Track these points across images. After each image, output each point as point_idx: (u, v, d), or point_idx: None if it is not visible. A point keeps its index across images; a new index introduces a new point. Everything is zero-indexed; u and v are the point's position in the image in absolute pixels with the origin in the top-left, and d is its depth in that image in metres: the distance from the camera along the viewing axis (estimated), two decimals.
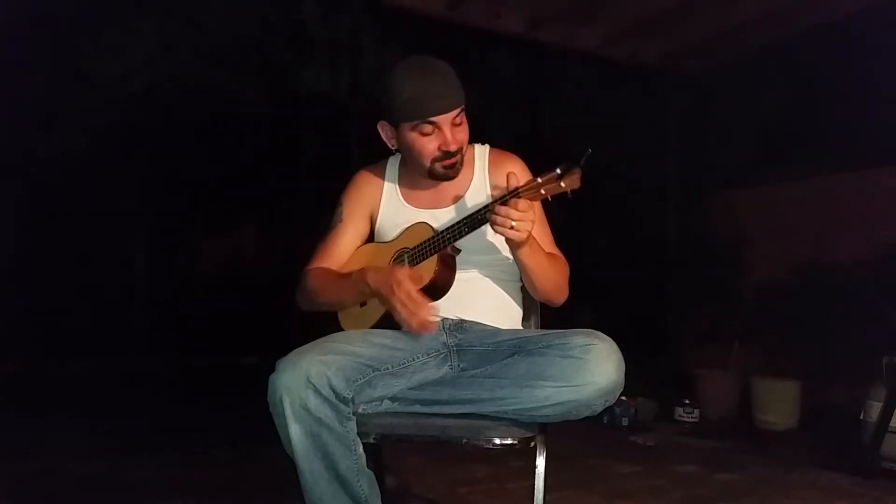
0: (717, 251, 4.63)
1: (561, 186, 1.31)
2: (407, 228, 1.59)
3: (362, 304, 1.60)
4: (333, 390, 1.29)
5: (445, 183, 1.61)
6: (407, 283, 1.42)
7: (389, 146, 1.63)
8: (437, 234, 1.50)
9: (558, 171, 1.31)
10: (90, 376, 5.27)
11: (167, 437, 3.33)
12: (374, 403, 1.44)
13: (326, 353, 1.34)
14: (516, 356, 1.42)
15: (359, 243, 1.69)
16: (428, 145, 1.53)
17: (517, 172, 1.41)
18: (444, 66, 1.53)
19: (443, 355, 1.54)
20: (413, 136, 1.53)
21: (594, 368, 1.32)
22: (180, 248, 7.06)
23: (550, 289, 1.55)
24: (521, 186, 1.35)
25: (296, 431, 1.29)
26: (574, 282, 1.60)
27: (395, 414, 1.47)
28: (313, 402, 1.28)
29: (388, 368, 1.44)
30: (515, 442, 1.38)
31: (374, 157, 1.77)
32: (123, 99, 5.70)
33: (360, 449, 1.35)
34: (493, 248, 1.58)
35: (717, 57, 4.48)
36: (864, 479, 2.69)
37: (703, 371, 4.19)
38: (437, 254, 1.49)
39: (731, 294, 4.45)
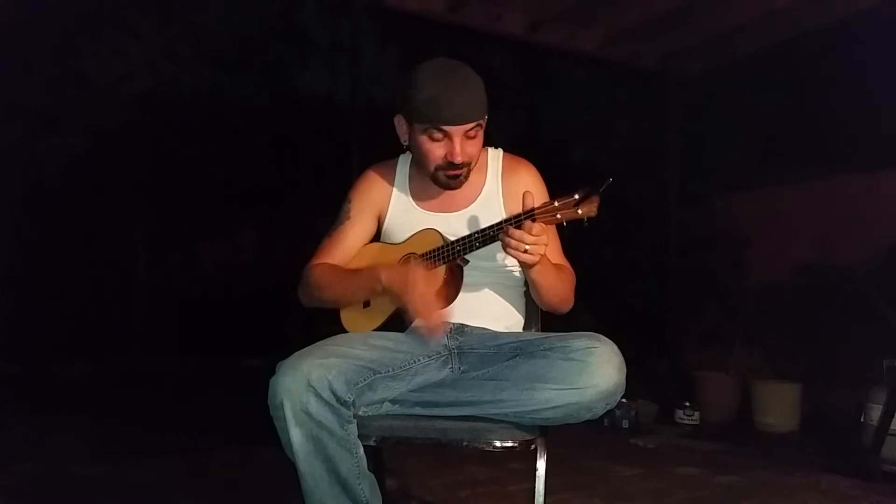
0: (717, 253, 4.63)
1: (578, 213, 1.29)
2: (416, 233, 1.57)
3: (365, 305, 1.58)
4: (334, 394, 1.29)
5: None
6: (423, 283, 1.41)
7: (402, 141, 1.59)
8: (448, 245, 1.47)
9: (577, 196, 1.29)
10: (90, 377, 5.28)
11: (167, 438, 3.33)
12: (374, 406, 1.44)
13: (327, 356, 1.34)
14: (517, 358, 1.42)
15: (365, 241, 1.67)
16: (435, 151, 1.50)
17: (531, 183, 1.39)
18: (474, 77, 1.49)
19: (444, 358, 1.54)
20: (423, 139, 1.51)
21: (596, 371, 1.32)
22: (180, 249, 7.06)
23: (556, 301, 1.55)
24: (538, 208, 1.32)
25: (296, 435, 1.28)
26: (575, 284, 1.60)
27: (396, 416, 1.47)
28: (314, 406, 1.27)
29: (388, 371, 1.43)
30: (516, 444, 1.38)
31: (375, 159, 1.75)
32: (124, 100, 5.70)
33: (361, 452, 1.35)
34: (499, 256, 1.56)
35: (718, 58, 4.47)
36: (865, 481, 2.69)
37: (703, 373, 4.19)
38: (447, 264, 1.48)
39: (731, 296, 4.45)
